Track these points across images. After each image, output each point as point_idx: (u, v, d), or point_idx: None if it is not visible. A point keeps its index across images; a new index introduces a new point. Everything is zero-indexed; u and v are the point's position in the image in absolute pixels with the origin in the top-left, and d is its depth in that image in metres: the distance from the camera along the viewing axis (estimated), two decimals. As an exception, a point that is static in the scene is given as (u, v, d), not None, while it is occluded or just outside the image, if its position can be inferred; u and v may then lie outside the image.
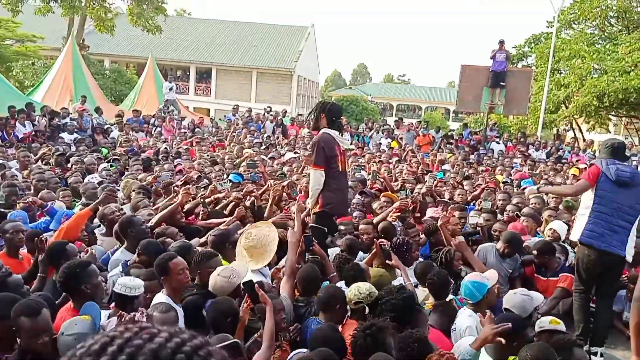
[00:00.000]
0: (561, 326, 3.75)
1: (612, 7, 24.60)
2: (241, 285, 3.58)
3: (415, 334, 3.02)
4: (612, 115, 24.96)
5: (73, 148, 10.55)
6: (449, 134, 17.21)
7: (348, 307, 3.66)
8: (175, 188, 6.36)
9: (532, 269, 5.45)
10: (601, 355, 4.68)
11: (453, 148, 14.72)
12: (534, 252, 5.42)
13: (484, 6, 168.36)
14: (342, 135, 5.29)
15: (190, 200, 5.65)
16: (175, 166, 8.96)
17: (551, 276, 5.36)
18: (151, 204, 5.99)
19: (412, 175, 8.90)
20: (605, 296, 4.83)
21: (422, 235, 5.79)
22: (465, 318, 3.86)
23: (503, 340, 3.10)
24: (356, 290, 3.61)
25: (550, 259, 5.37)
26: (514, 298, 3.83)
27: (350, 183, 6.87)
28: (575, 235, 4.76)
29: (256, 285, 3.32)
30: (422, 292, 4.42)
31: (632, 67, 19.95)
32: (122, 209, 5.23)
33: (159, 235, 4.75)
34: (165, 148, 10.97)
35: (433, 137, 16.45)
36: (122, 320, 3.04)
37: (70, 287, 3.42)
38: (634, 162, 14.20)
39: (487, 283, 4.01)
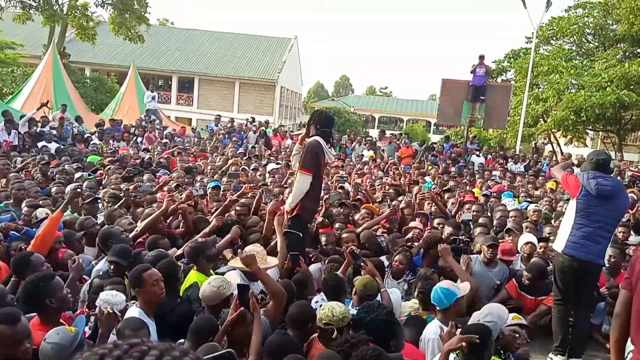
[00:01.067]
0: (522, 320, 3.87)
1: (589, 25, 25.20)
2: (236, 285, 3.56)
3: (371, 351, 2.97)
4: (589, 129, 25.45)
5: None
6: (431, 146, 17.34)
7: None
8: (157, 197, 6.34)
9: (516, 288, 5.47)
10: None
11: (436, 160, 14.85)
12: (525, 273, 5.44)
13: (465, 22, 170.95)
14: (330, 147, 5.26)
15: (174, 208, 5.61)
16: (156, 176, 8.90)
17: (540, 296, 5.41)
18: (129, 214, 5.95)
19: (393, 188, 8.96)
20: (584, 307, 4.89)
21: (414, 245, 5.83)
22: (433, 328, 3.90)
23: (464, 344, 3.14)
24: (329, 312, 3.44)
25: (542, 281, 5.42)
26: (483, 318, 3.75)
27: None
28: (558, 246, 4.80)
29: (251, 291, 3.31)
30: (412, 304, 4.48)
31: (608, 83, 20.41)
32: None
33: (152, 245, 4.73)
34: (149, 158, 10.91)
35: (415, 149, 16.58)
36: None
37: (33, 303, 3.26)
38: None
39: (457, 292, 4.02)
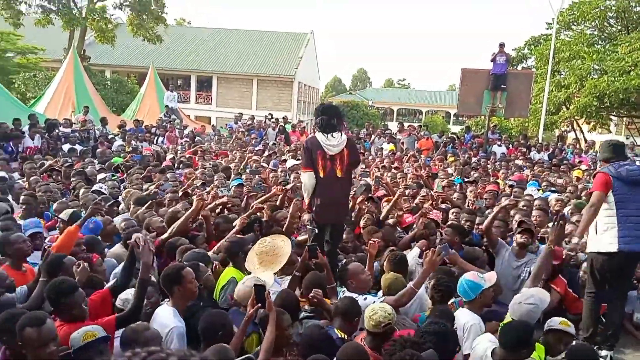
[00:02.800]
0: (571, 329, 3.74)
1: (611, 8, 24.64)
2: (253, 286, 3.58)
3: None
4: (613, 115, 24.97)
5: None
6: (452, 137, 17.16)
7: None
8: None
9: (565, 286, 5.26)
10: (611, 358, 4.66)
11: (457, 151, 14.72)
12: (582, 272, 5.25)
13: (483, 9, 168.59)
14: (334, 137, 5.12)
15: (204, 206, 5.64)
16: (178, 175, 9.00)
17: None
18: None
19: (415, 180, 8.90)
20: (621, 296, 4.80)
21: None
22: (465, 315, 3.90)
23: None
24: (383, 312, 3.41)
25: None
26: (520, 309, 3.67)
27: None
28: (610, 247, 4.55)
29: (267, 292, 3.33)
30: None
31: (632, 67, 19.97)
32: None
33: (172, 246, 4.78)
34: (172, 157, 11.04)
35: (435, 141, 16.46)
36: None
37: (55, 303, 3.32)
38: (636, 162, 14.18)
39: (483, 284, 4.03)
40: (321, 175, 5.16)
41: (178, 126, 16.87)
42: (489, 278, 4.18)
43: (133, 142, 13.57)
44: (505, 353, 3.24)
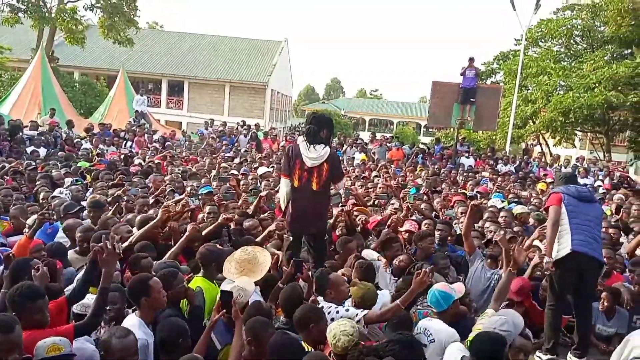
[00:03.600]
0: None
1: (577, 26, 25.42)
2: (219, 291, 3.53)
3: None
4: (578, 130, 25.66)
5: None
6: (422, 148, 17.36)
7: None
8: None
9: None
10: None
11: (426, 162, 14.90)
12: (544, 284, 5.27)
13: (455, 24, 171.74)
14: (316, 150, 5.11)
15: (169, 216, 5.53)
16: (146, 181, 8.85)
17: None
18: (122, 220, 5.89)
19: (385, 190, 8.96)
20: (586, 308, 4.90)
21: None
22: (444, 330, 3.84)
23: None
24: (348, 329, 3.38)
25: None
26: (499, 327, 3.56)
27: None
28: (564, 251, 4.70)
29: (233, 300, 3.28)
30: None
31: (597, 84, 20.58)
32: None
33: (133, 263, 4.65)
34: (139, 162, 10.85)
35: (405, 152, 16.64)
36: None
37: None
38: (600, 176, 14.61)
39: (454, 295, 4.07)
40: (295, 184, 5.18)
41: (147, 131, 16.63)
42: (459, 289, 4.25)
43: (101, 145, 13.32)
44: None
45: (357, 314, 3.85)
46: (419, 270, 4.16)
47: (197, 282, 4.32)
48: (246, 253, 4.39)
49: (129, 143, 14.70)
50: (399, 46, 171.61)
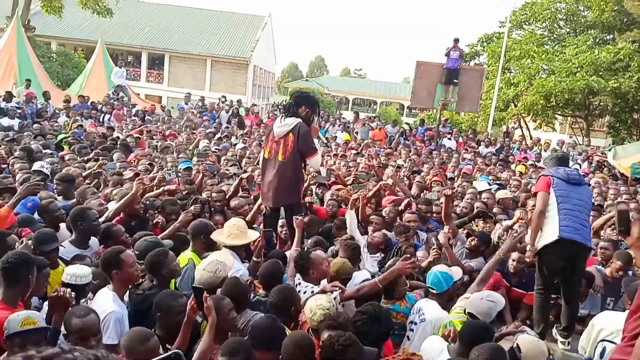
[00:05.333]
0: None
1: (561, 10, 25.49)
2: (192, 288, 3.47)
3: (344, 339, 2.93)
4: (558, 114, 25.91)
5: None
6: (405, 129, 17.32)
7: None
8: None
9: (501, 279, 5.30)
10: (569, 344, 4.88)
11: (408, 143, 14.90)
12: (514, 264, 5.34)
13: (441, 4, 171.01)
14: (285, 121, 5.15)
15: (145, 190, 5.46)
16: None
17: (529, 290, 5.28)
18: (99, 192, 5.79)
19: (367, 170, 8.93)
20: (575, 293, 4.94)
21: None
22: (437, 310, 3.87)
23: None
24: (322, 310, 3.38)
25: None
26: (480, 305, 3.68)
27: None
28: (552, 237, 4.67)
29: (205, 295, 3.20)
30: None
31: (578, 69, 20.73)
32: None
33: (106, 231, 4.57)
34: (116, 137, 10.64)
35: (387, 132, 16.59)
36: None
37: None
38: (578, 161, 14.78)
39: (454, 276, 4.14)
40: (265, 156, 5.24)
41: (126, 104, 16.30)
42: (457, 272, 4.29)
43: (78, 118, 13.02)
44: (463, 349, 3.22)
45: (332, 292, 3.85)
46: (407, 255, 4.20)
47: (187, 257, 4.35)
48: (237, 220, 4.58)
49: (107, 116, 14.41)
50: (384, 26, 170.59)
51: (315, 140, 5.55)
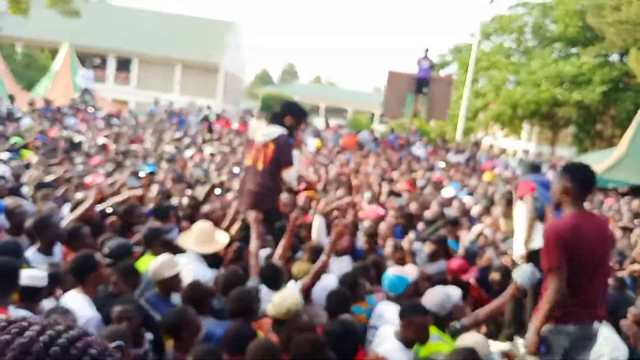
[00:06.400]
0: None
1: (528, 24, 26.14)
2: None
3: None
4: (525, 124, 26.51)
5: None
6: (375, 136, 17.42)
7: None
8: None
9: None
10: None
11: (378, 151, 14.99)
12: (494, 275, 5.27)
13: (411, 15, 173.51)
14: (268, 129, 5.12)
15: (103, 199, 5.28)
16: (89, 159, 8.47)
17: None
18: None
19: (340, 177, 8.94)
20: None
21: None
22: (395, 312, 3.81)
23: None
24: (293, 299, 3.44)
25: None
26: (433, 296, 3.78)
27: None
28: (535, 244, 4.67)
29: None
30: None
31: (544, 81, 21.28)
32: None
33: (74, 233, 4.45)
34: (78, 142, 10.40)
35: (358, 139, 16.65)
36: None
37: None
38: (543, 169, 15.10)
39: (408, 277, 4.12)
40: (248, 163, 5.25)
41: (92, 108, 15.97)
42: (411, 272, 4.30)
43: (45, 122, 12.68)
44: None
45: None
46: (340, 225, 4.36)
47: (148, 261, 4.19)
48: (205, 224, 4.54)
49: (73, 120, 14.07)
50: (355, 36, 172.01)
51: (296, 152, 5.46)
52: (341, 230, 4.48)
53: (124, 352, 2.18)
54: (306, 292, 3.97)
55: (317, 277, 4.01)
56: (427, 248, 5.46)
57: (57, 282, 3.59)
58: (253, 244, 4.49)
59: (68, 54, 19.81)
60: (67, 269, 3.63)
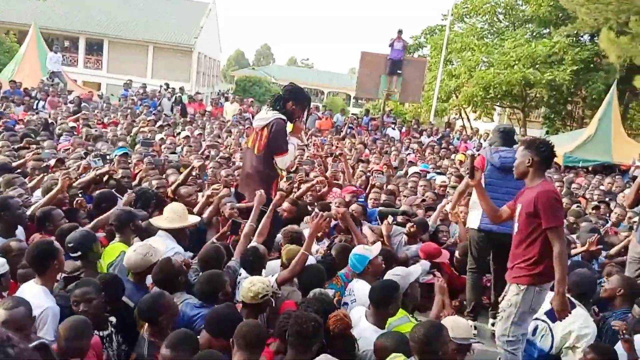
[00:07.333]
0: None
1: (500, 4, 26.26)
2: None
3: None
4: (497, 105, 26.81)
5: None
6: (351, 118, 17.46)
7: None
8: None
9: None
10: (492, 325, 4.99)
11: (354, 133, 15.04)
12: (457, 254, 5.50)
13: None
14: (266, 114, 5.13)
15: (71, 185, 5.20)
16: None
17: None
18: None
19: (314, 159, 8.96)
20: (503, 268, 5.09)
21: None
22: (366, 289, 3.87)
23: None
24: (263, 284, 3.43)
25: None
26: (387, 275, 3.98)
27: None
28: (473, 223, 4.93)
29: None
30: None
31: (516, 62, 21.48)
32: None
33: (43, 218, 4.41)
34: (51, 123, 10.19)
35: (334, 121, 16.69)
36: None
37: None
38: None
39: (368, 255, 4.19)
40: (248, 145, 5.30)
41: (61, 91, 15.62)
42: (375, 248, 4.36)
43: (10, 105, 12.37)
44: (375, 311, 3.46)
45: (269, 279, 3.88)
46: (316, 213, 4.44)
47: (118, 248, 4.19)
48: (176, 204, 4.70)
49: (41, 103, 13.77)
50: (330, 16, 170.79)
51: (295, 140, 5.40)
52: (279, 199, 4.93)
53: (48, 350, 2.16)
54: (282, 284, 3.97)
55: (297, 271, 3.99)
56: (409, 229, 5.55)
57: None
58: (247, 225, 4.54)
59: (34, 37, 19.26)
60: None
